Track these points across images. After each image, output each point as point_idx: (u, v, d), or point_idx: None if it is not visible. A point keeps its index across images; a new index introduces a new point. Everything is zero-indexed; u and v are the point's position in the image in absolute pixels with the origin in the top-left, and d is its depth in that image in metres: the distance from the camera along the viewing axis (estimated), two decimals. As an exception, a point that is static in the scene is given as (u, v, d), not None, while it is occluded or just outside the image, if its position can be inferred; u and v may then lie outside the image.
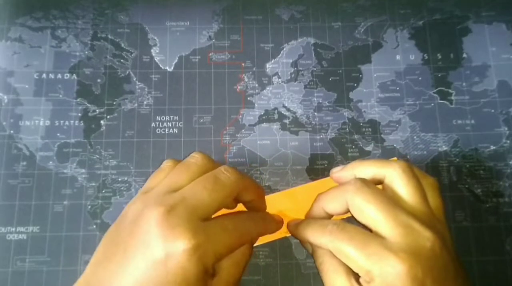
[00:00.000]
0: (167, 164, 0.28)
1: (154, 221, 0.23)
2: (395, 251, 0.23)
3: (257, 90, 0.39)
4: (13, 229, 0.35)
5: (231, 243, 0.25)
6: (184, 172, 0.26)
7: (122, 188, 0.36)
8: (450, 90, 0.39)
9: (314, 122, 0.38)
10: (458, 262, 0.25)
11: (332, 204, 0.28)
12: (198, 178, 0.26)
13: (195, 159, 0.27)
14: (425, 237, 0.24)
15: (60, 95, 0.38)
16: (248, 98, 0.39)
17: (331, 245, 0.26)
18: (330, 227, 0.26)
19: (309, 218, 0.30)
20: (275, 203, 0.31)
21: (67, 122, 0.38)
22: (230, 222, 0.25)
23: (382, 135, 0.38)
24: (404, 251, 0.23)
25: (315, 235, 0.27)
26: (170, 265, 0.22)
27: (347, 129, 0.38)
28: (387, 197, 0.26)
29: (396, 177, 0.27)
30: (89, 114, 0.38)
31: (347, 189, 0.27)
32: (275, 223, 0.30)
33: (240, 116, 0.38)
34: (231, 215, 0.26)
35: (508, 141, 0.38)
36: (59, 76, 0.39)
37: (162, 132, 0.38)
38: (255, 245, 0.28)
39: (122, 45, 0.40)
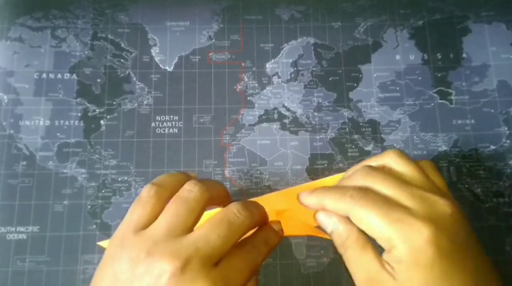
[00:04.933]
0: (148, 193, 0.25)
1: (170, 276, 0.22)
2: (421, 217, 0.23)
3: (257, 90, 0.39)
4: (13, 229, 0.35)
5: (245, 282, 0.24)
6: (185, 211, 0.24)
7: (122, 188, 0.36)
8: (450, 90, 0.39)
9: (314, 122, 0.38)
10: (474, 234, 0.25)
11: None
12: (210, 221, 0.24)
13: (193, 193, 0.25)
14: (444, 204, 0.24)
15: (60, 95, 0.38)
16: (248, 98, 0.39)
17: (351, 211, 0.25)
18: (351, 192, 0.25)
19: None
20: (273, 203, 0.31)
21: (67, 122, 0.38)
22: (240, 260, 0.24)
23: (382, 135, 0.38)
24: (429, 218, 0.23)
25: (334, 200, 0.26)
26: None
27: (347, 129, 0.38)
28: (396, 177, 0.26)
29: (394, 163, 0.27)
30: (89, 114, 0.38)
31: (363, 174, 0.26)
32: (278, 237, 0.28)
33: (240, 116, 0.38)
34: (238, 251, 0.25)
35: (508, 141, 0.37)
36: (59, 76, 0.39)
37: (162, 132, 0.38)
38: None
39: (122, 45, 0.40)
